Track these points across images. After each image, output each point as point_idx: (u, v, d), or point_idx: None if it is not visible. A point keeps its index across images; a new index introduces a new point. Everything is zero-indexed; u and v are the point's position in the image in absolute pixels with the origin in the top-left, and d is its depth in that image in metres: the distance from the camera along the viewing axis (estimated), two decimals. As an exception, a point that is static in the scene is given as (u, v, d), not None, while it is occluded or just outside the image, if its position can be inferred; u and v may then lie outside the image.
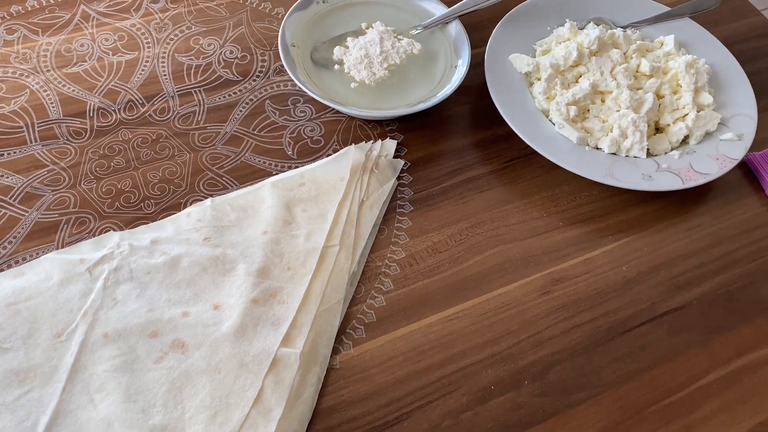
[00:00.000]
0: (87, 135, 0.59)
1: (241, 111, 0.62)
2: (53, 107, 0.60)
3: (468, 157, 0.61)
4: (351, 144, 0.60)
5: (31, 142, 0.58)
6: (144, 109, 0.61)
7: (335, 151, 0.60)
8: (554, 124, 0.60)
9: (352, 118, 0.62)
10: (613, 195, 0.59)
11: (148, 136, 0.59)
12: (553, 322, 0.52)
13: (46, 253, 0.51)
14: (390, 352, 0.49)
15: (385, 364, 0.48)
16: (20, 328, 0.46)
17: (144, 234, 0.52)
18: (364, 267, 0.53)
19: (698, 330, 0.52)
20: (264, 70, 0.65)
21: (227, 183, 0.57)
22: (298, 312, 0.49)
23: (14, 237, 0.52)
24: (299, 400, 0.45)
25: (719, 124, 0.60)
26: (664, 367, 0.50)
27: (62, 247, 0.52)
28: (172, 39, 0.66)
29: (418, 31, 0.65)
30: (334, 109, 0.61)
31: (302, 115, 0.62)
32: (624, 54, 0.63)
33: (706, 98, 0.61)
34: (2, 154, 0.57)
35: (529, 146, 0.58)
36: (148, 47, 0.65)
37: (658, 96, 0.61)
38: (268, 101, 0.63)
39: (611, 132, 0.59)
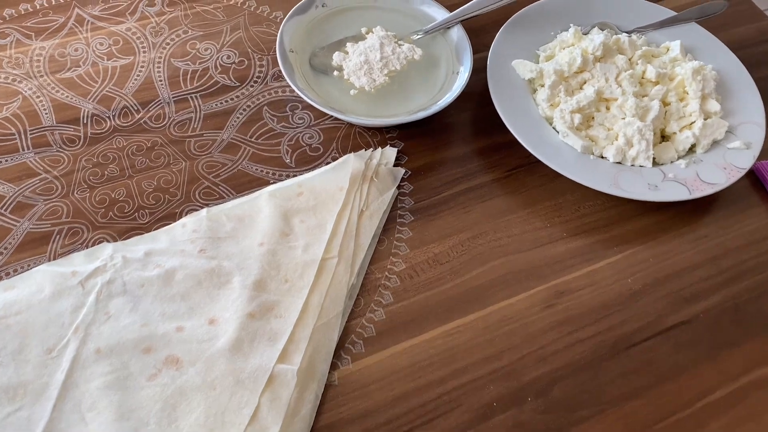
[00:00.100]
0: (80, 142, 0.57)
1: (238, 118, 0.60)
2: (46, 114, 0.59)
3: (470, 166, 0.60)
4: (350, 152, 0.59)
5: (23, 150, 0.56)
6: (139, 116, 0.60)
7: (334, 159, 0.58)
8: (558, 132, 0.58)
9: (351, 125, 0.61)
10: (618, 204, 0.58)
11: (143, 143, 0.58)
12: (556, 337, 0.51)
13: (38, 264, 0.50)
14: (390, 367, 0.48)
15: (385, 380, 0.47)
16: (10, 343, 0.45)
17: (138, 245, 0.51)
18: (363, 279, 0.52)
19: (705, 345, 0.51)
20: (262, 75, 0.64)
21: (224, 192, 0.56)
22: (296, 326, 0.47)
23: (5, 248, 0.51)
24: (296, 418, 0.44)
25: (726, 132, 0.59)
26: (670, 383, 0.49)
27: (54, 258, 0.51)
28: (168, 43, 0.65)
29: (419, 36, 0.64)
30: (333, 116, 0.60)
31: (301, 122, 0.61)
32: (629, 60, 0.62)
33: (713, 105, 0.60)
34: (-6, 162, 0.56)
35: (532, 154, 0.56)
36: (144, 52, 0.64)
37: (664, 103, 0.60)
38: (265, 108, 0.61)
39: (616, 140, 0.57)
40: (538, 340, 0.50)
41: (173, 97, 0.61)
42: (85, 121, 0.59)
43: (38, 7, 0.66)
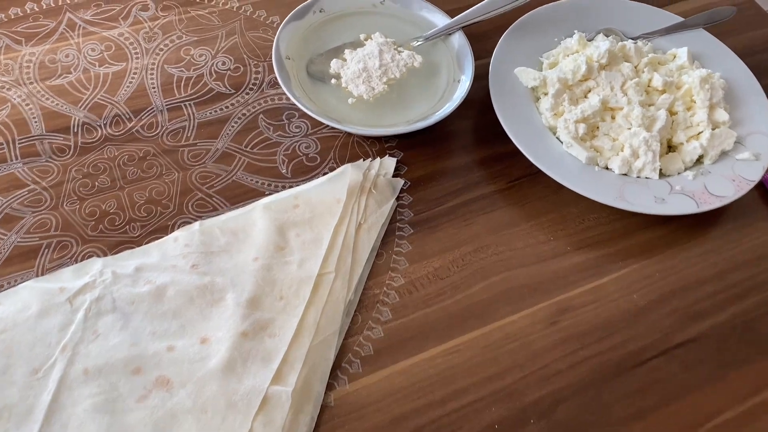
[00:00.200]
0: (71, 152, 0.56)
1: (233, 126, 0.59)
2: (35, 122, 0.57)
3: (471, 176, 0.58)
4: (348, 161, 0.57)
5: (11, 160, 0.55)
6: (131, 125, 0.58)
7: (332, 169, 0.57)
8: (562, 143, 0.57)
9: (349, 134, 0.59)
10: (624, 217, 0.56)
11: (135, 153, 0.56)
12: (560, 355, 0.49)
13: (25, 280, 0.48)
14: (388, 388, 0.46)
15: (383, 402, 0.46)
16: (-5, 363, 0.44)
17: (128, 260, 0.49)
18: (361, 295, 0.50)
19: (713, 364, 0.50)
20: (258, 82, 0.62)
21: (217, 204, 0.54)
22: (291, 345, 0.46)
23: (-9, 263, 0.49)
24: (291, 441, 0.43)
25: (735, 142, 0.57)
26: (676, 404, 0.47)
27: (42, 273, 0.49)
28: (161, 49, 0.64)
29: (419, 43, 0.62)
30: (330, 124, 0.58)
31: (297, 130, 0.59)
32: (635, 68, 0.60)
33: (722, 115, 0.58)
34: (-19, 173, 0.54)
35: (534, 165, 0.55)
36: (137, 58, 0.63)
37: (671, 112, 0.58)
38: (261, 116, 0.60)
39: (622, 151, 0.56)
40: (541, 358, 0.49)
41: (166, 105, 0.59)
42: (75, 130, 0.57)
43: (29, 12, 0.65)
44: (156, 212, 0.53)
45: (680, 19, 0.67)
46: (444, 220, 0.55)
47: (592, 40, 0.64)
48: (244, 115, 0.60)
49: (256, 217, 0.52)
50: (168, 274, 0.48)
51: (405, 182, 0.57)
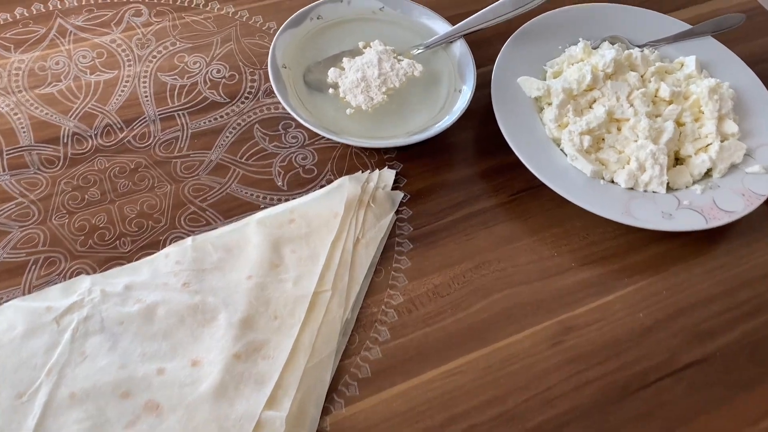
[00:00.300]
0: (60, 164, 0.54)
1: (227, 137, 0.57)
2: (24, 132, 0.56)
3: (472, 189, 0.57)
4: (346, 173, 0.55)
5: (-2, 172, 0.53)
6: (123, 135, 0.56)
7: (329, 181, 0.55)
8: (566, 155, 0.55)
9: (348, 145, 0.57)
10: (630, 232, 0.54)
11: (126, 165, 0.55)
12: (564, 377, 0.47)
13: (11, 298, 0.47)
14: (385, 412, 0.45)
15: (380, 427, 0.44)
16: (-22, 386, 0.42)
17: (118, 278, 0.47)
18: (358, 314, 0.49)
19: (721, 386, 0.48)
20: (253, 91, 0.60)
21: (211, 218, 0.52)
22: (285, 368, 0.44)
23: (-24, 280, 0.48)
24: (285, 469, 0.41)
25: (745, 155, 0.55)
26: (684, 428, 0.46)
27: (29, 290, 0.47)
28: (155, 56, 0.62)
29: (419, 51, 0.60)
30: (328, 135, 0.57)
31: (294, 141, 0.58)
32: (642, 77, 0.59)
33: (731, 126, 0.56)
34: (-33, 185, 0.52)
35: (537, 177, 0.53)
36: (129, 65, 0.61)
37: (679, 124, 0.56)
38: (257, 126, 0.58)
39: (628, 164, 0.54)
40: (545, 380, 0.47)
41: (159, 115, 0.58)
42: (65, 141, 0.55)
43: (18, 17, 0.63)
44: (147, 227, 0.51)
45: (687, 26, 0.65)
46: (444, 234, 0.54)
47: (597, 47, 0.62)
48: (239, 125, 0.58)
49: (250, 233, 0.50)
50: (159, 292, 0.46)
51: (404, 195, 0.55)
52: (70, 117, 0.57)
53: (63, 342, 0.44)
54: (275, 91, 0.55)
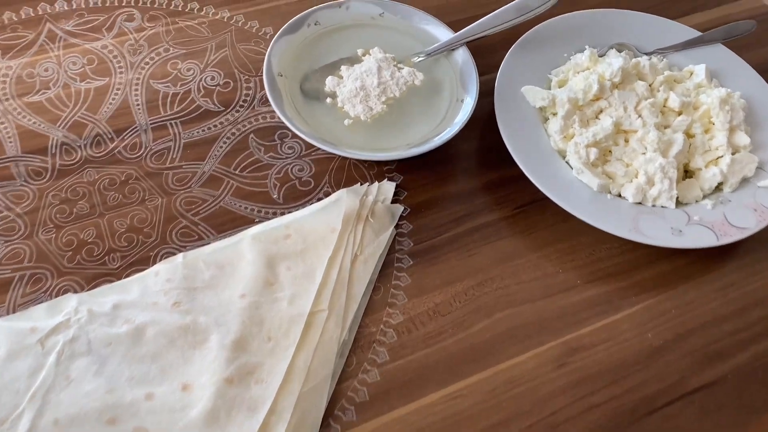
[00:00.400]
0: (48, 175, 0.52)
1: (221, 147, 0.55)
2: (11, 142, 0.54)
3: (474, 202, 0.55)
4: (344, 186, 0.54)
5: (-17, 184, 0.51)
6: (113, 145, 0.54)
7: (326, 194, 0.53)
8: (571, 168, 0.53)
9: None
10: (637, 248, 0.52)
11: (117, 176, 0.53)
12: (569, 401, 0.46)
13: (-5, 317, 0.45)
14: (384, 439, 0.43)
15: (378, 454, 0.42)
16: (-42, 412, 0.40)
17: (106, 297, 0.46)
18: (356, 334, 0.47)
19: (733, 410, 0.46)
20: (248, 99, 0.59)
21: (203, 232, 0.50)
22: (279, 393, 0.42)
23: (-41, 298, 0.46)
24: (278, 500, 0.39)
25: (757, 168, 0.54)
26: (695, 455, 0.44)
27: (14, 309, 0.46)
28: (147, 63, 0.60)
29: (420, 59, 0.58)
30: (325, 146, 0.55)
31: (290, 151, 0.56)
32: (650, 86, 0.57)
33: (743, 138, 0.54)
34: (-49, 198, 0.50)
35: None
36: (121, 72, 0.59)
37: (688, 135, 0.55)
38: (252, 135, 0.56)
39: (636, 178, 0.52)
40: (549, 405, 0.45)
41: (151, 124, 0.56)
42: (53, 151, 0.54)
43: (6, 22, 0.61)
44: (137, 242, 0.50)
45: (696, 33, 0.63)
46: (446, 250, 0.52)
47: (604, 55, 0.60)
48: (233, 134, 0.56)
49: (244, 249, 0.48)
50: (148, 312, 0.45)
51: (405, 208, 0.53)
52: (59, 126, 0.55)
53: (47, 365, 0.42)
54: (271, 101, 0.53)
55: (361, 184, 0.54)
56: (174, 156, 0.54)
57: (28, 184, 0.52)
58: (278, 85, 0.54)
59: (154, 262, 0.48)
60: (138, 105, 0.57)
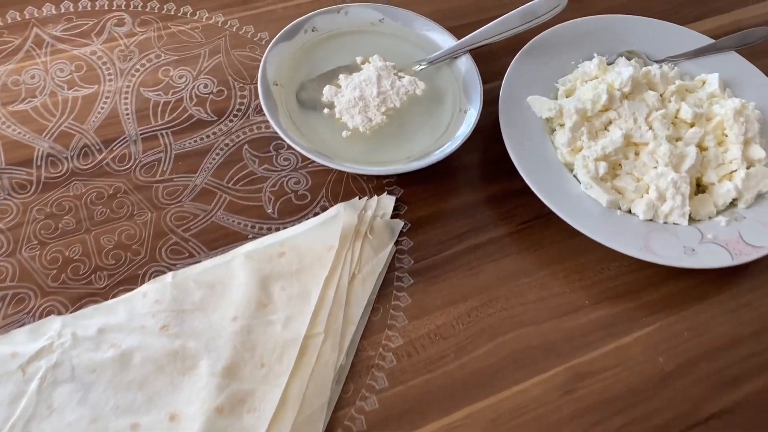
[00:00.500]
0: (32, 189, 0.50)
1: (214, 159, 0.53)
2: (-6, 154, 0.52)
3: (478, 217, 0.52)
4: (342, 200, 0.51)
5: (-35, 198, 0.49)
6: (101, 157, 0.52)
7: (323, 208, 0.51)
8: (579, 182, 0.51)
9: (343, 168, 0.53)
10: (647, 266, 0.50)
11: (104, 190, 0.50)
12: (577, 430, 0.43)
13: (-26, 341, 0.43)
14: (382, 471, 0.41)
15: (377, 488, 0.40)
16: (-67, 444, 0.38)
17: (91, 319, 0.43)
18: (353, 358, 0.45)
19: (750, 439, 0.44)
20: (243, 108, 0.56)
21: (194, 249, 0.48)
22: (272, 423, 0.40)
23: (-64, 320, 0.44)
24: None
25: (772, 183, 0.51)
26: (709, 487, 0.42)
27: (-6, 331, 0.43)
28: (138, 70, 0.58)
29: (422, 67, 0.56)
30: (322, 158, 0.52)
31: (286, 163, 0.53)
32: (661, 96, 0.54)
33: (758, 152, 0.52)
34: (-70, 213, 0.48)
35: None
36: (110, 80, 0.57)
37: (701, 148, 0.52)
38: (246, 146, 0.54)
39: (647, 193, 0.50)
40: (556, 434, 0.43)
41: (141, 134, 0.54)
42: (38, 163, 0.51)
43: (-8, 27, 0.59)
44: (125, 259, 0.47)
45: (709, 40, 0.61)
46: (448, 268, 0.50)
47: (613, 63, 0.58)
48: (226, 145, 0.54)
49: (236, 268, 0.46)
50: (135, 336, 0.42)
51: (405, 224, 0.51)
52: (45, 137, 0.53)
53: (29, 393, 0.40)
54: (265, 112, 0.50)
55: (359, 198, 0.52)
56: (164, 168, 0.52)
57: (12, 197, 0.49)
58: (273, 95, 0.52)
59: (143, 281, 0.46)
60: (128, 114, 0.55)
